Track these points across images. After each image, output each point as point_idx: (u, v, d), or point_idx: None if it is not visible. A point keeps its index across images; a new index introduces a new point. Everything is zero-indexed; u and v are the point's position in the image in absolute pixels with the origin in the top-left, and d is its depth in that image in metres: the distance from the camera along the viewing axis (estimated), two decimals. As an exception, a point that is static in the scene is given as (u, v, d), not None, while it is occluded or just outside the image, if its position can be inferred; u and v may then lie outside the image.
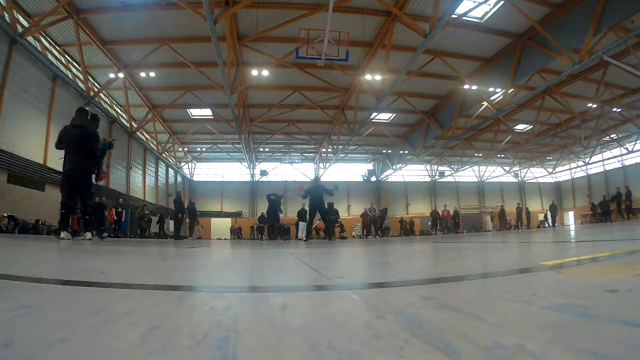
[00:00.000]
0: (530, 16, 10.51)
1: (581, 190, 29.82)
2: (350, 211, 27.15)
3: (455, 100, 16.13)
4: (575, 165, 29.64)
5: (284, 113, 17.89)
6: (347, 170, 29.07)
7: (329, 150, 23.23)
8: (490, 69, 13.68)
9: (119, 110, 17.44)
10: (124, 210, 13.76)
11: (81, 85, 13.24)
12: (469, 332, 0.49)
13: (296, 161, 26.36)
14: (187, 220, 14.06)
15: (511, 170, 30.68)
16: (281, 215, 18.39)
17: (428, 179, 30.66)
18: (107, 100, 16.49)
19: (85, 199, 5.30)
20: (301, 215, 15.98)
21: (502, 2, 10.42)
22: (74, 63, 13.58)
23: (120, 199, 14.25)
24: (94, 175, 5.31)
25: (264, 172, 26.35)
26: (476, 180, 31.57)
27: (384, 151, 25.65)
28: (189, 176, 28.12)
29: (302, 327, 0.55)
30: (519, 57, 12.25)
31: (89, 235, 5.26)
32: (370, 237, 16.51)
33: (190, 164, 28.12)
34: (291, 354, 0.43)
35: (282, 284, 1.19)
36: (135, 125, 17.87)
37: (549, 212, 20.94)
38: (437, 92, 16.63)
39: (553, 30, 10.54)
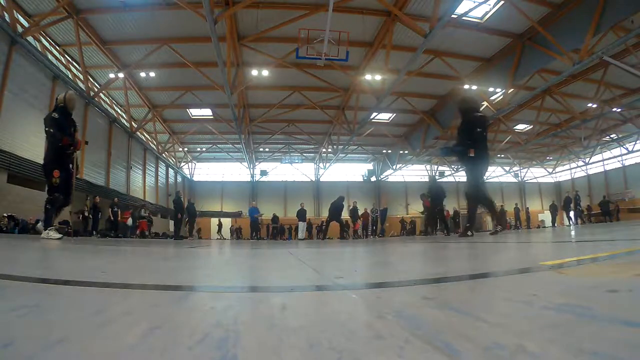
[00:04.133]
0: (530, 16, 10.52)
1: (581, 190, 29.78)
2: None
3: (455, 100, 16.13)
4: (575, 165, 29.65)
5: (284, 113, 17.90)
6: (347, 170, 29.04)
7: (329, 150, 23.24)
8: (490, 69, 13.68)
9: (119, 110, 17.45)
10: (118, 210, 13.73)
11: (81, 85, 13.25)
12: (469, 332, 0.49)
13: (296, 161, 26.37)
14: (187, 220, 14.06)
15: (511, 170, 30.67)
16: (281, 217, 18.35)
17: (428, 179, 30.64)
18: (107, 100, 16.50)
19: (49, 193, 4.84)
20: (301, 215, 15.98)
21: (502, 2, 10.43)
22: (74, 63, 13.59)
23: (116, 198, 14.20)
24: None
25: (264, 172, 26.36)
26: (476, 180, 31.52)
27: (384, 151, 25.66)
28: (189, 176, 28.13)
29: (302, 327, 0.55)
30: (519, 57, 12.26)
31: (48, 232, 4.69)
32: (370, 237, 16.49)
33: (190, 164, 28.13)
34: (291, 354, 0.43)
35: (282, 284, 1.19)
36: (135, 125, 17.88)
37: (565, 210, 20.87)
38: (437, 92, 16.64)
39: (553, 30, 10.54)
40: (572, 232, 5.25)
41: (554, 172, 31.32)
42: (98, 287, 0.99)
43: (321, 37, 10.17)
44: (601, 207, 19.51)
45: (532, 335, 0.47)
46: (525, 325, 0.52)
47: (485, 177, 5.09)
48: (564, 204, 16.79)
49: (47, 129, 4.72)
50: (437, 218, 10.40)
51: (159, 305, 0.75)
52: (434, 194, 10.08)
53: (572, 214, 16.10)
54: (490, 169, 30.67)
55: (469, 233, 5.16)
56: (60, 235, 4.80)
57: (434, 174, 9.93)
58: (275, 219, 19.34)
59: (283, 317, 0.63)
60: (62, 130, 4.78)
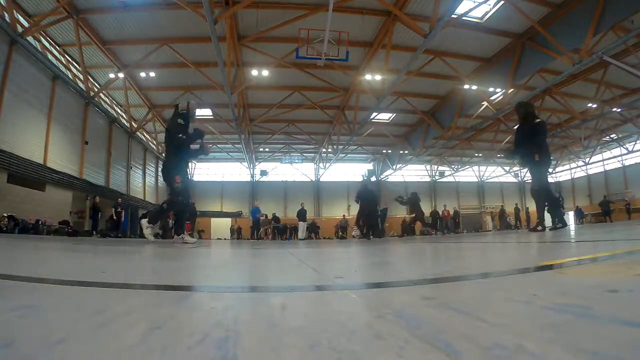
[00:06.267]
0: (530, 16, 10.52)
1: (581, 190, 29.82)
2: (350, 211, 27.12)
3: (455, 100, 16.14)
4: (575, 165, 29.65)
5: (284, 113, 17.90)
6: (347, 170, 29.03)
7: (329, 150, 23.24)
8: (490, 69, 13.68)
9: (119, 110, 17.44)
10: (123, 210, 13.74)
11: (81, 85, 13.25)
12: (469, 332, 0.49)
13: (296, 161, 26.36)
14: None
15: (511, 170, 30.68)
16: (281, 217, 18.05)
17: (428, 179, 30.64)
18: (107, 100, 16.50)
19: (172, 196, 4.96)
20: (301, 215, 16.00)
21: (502, 2, 10.43)
22: (74, 63, 13.59)
23: (120, 199, 14.24)
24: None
25: (264, 172, 26.36)
26: (476, 180, 31.55)
27: (384, 151, 25.65)
28: (189, 176, 28.10)
29: (302, 327, 0.55)
30: (519, 57, 12.26)
31: (183, 237, 4.94)
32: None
33: (190, 163, 28.11)
34: (291, 354, 0.43)
35: (282, 284, 1.19)
36: (135, 125, 17.88)
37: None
38: (437, 92, 16.63)
39: (553, 30, 10.54)
40: (572, 233, 5.26)
41: (554, 172, 31.31)
42: (98, 287, 0.99)
43: (321, 37, 10.17)
44: (602, 207, 19.47)
45: (532, 335, 0.47)
46: (525, 325, 0.52)
47: (548, 176, 5.39)
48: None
49: (180, 135, 4.71)
50: (371, 220, 10.02)
51: (159, 305, 0.75)
52: (363, 197, 9.62)
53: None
54: (490, 168, 30.76)
55: (539, 228, 5.27)
56: (194, 240, 4.98)
57: (366, 176, 9.61)
58: (275, 218, 19.35)
59: (283, 317, 0.63)
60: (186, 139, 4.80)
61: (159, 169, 22.46)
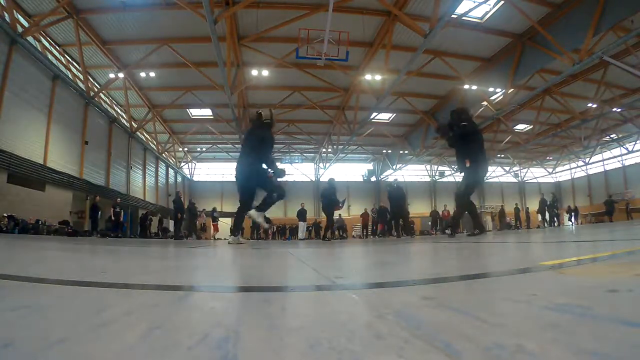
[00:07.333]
0: (530, 16, 10.52)
1: (581, 190, 29.82)
2: (350, 211, 27.12)
3: (455, 100, 16.12)
4: (575, 165, 29.63)
5: (284, 113, 17.89)
6: (347, 170, 29.02)
7: (329, 150, 23.24)
8: (490, 69, 13.68)
9: (119, 110, 17.44)
10: (122, 210, 13.74)
11: (81, 85, 13.25)
12: (469, 332, 0.49)
13: (296, 161, 26.32)
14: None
15: (511, 170, 30.65)
16: (281, 217, 17.97)
17: (428, 179, 30.62)
18: (107, 100, 16.50)
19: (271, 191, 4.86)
20: (301, 215, 15.98)
21: (502, 2, 10.43)
22: (74, 63, 13.59)
23: (119, 199, 14.23)
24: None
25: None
26: (476, 180, 31.54)
27: (384, 151, 25.64)
28: (189, 176, 28.10)
29: (302, 327, 0.55)
30: (519, 57, 12.26)
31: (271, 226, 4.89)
32: (370, 237, 16.51)
33: (190, 164, 28.10)
34: (291, 354, 0.43)
35: (282, 283, 1.19)
36: (135, 125, 17.87)
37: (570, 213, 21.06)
38: (437, 92, 16.63)
39: (553, 30, 10.54)
40: (570, 233, 5.26)
41: (554, 172, 31.31)
42: (98, 287, 0.99)
43: (321, 37, 10.17)
44: (606, 206, 19.43)
45: (532, 335, 0.47)
46: (525, 325, 0.52)
47: (483, 180, 5.34)
48: (539, 206, 16.93)
49: (271, 154, 4.73)
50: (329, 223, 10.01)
51: (159, 305, 0.75)
52: (326, 194, 9.65)
53: (547, 216, 16.46)
54: (491, 168, 30.69)
55: (448, 231, 5.29)
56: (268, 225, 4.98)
57: (330, 177, 9.60)
58: (266, 219, 19.35)
59: (283, 317, 0.63)
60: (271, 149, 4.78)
61: (159, 169, 22.48)
